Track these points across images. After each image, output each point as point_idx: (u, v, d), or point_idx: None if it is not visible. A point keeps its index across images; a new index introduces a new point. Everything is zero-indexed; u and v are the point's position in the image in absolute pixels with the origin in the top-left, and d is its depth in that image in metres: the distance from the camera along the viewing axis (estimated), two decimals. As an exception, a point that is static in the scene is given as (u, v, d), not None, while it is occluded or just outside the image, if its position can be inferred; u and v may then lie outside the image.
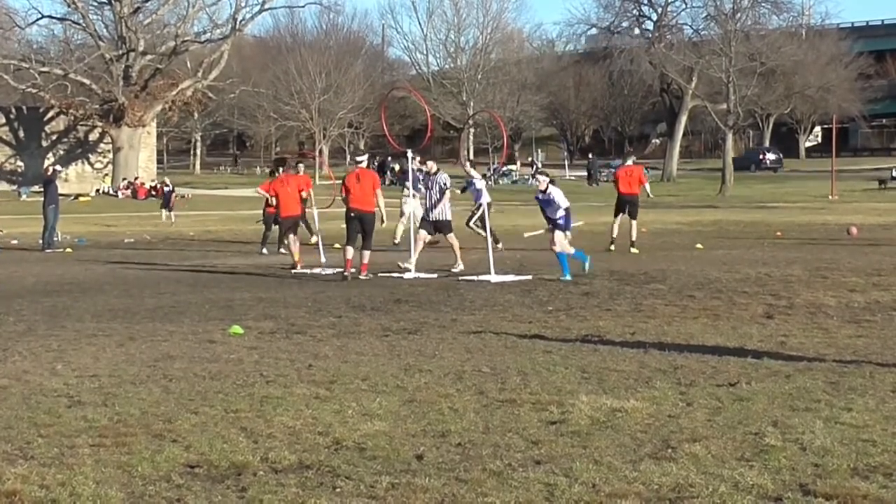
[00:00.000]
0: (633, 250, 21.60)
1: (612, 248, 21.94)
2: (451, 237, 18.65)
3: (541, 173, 18.83)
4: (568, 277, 16.30)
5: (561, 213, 17.11)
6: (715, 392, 8.15)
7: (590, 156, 76.36)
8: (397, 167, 69.26)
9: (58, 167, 31.45)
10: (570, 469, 6.15)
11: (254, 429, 7.19)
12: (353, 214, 17.44)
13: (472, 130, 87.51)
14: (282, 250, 22.00)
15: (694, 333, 11.13)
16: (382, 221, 17.68)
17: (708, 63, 64.04)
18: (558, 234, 16.96)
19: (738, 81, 59.83)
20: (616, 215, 22.73)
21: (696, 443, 6.68)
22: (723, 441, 6.74)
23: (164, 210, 38.86)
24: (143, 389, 8.55)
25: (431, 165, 19.13)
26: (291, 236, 19.56)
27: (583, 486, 5.84)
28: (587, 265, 17.25)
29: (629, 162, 23.97)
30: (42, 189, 29.51)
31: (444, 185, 18.54)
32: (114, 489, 5.89)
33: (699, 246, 23.20)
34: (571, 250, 17.13)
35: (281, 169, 20.85)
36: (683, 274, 16.88)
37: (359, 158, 18.94)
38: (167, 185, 40.23)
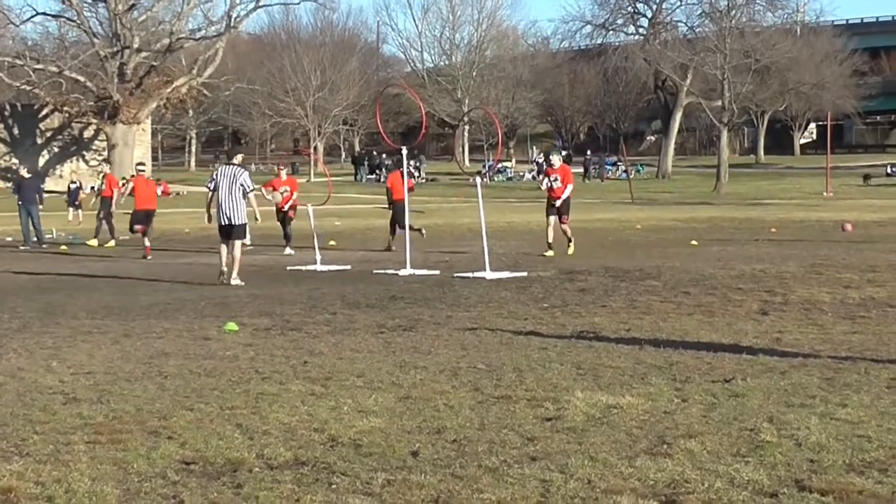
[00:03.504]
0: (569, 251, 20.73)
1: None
2: (239, 244, 17.20)
3: None
4: None
5: None
6: (710, 388, 8.15)
7: (588, 152, 76.42)
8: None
9: (23, 169, 31.61)
10: (566, 465, 6.14)
11: (249, 425, 7.18)
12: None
13: (466, 127, 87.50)
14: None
15: (689, 330, 11.13)
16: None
17: (703, 60, 64.07)
18: None
19: (733, 78, 59.87)
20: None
21: (692, 439, 6.68)
22: (718, 437, 6.74)
23: (70, 208, 37.66)
24: (138, 386, 8.54)
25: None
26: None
27: (578, 483, 5.84)
28: None
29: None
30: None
31: (246, 184, 17.15)
32: (109, 486, 5.88)
33: (694, 242, 23.23)
34: None
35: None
36: (678, 270, 16.88)
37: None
38: (74, 183, 39.25)
